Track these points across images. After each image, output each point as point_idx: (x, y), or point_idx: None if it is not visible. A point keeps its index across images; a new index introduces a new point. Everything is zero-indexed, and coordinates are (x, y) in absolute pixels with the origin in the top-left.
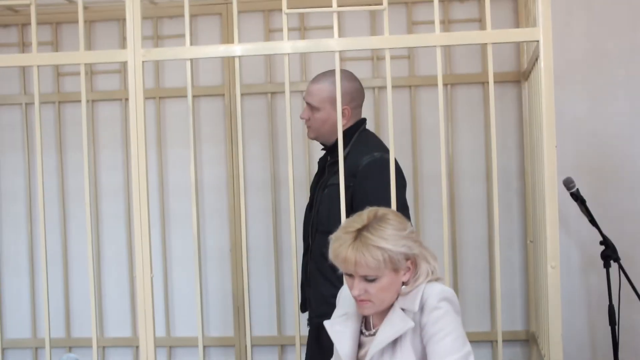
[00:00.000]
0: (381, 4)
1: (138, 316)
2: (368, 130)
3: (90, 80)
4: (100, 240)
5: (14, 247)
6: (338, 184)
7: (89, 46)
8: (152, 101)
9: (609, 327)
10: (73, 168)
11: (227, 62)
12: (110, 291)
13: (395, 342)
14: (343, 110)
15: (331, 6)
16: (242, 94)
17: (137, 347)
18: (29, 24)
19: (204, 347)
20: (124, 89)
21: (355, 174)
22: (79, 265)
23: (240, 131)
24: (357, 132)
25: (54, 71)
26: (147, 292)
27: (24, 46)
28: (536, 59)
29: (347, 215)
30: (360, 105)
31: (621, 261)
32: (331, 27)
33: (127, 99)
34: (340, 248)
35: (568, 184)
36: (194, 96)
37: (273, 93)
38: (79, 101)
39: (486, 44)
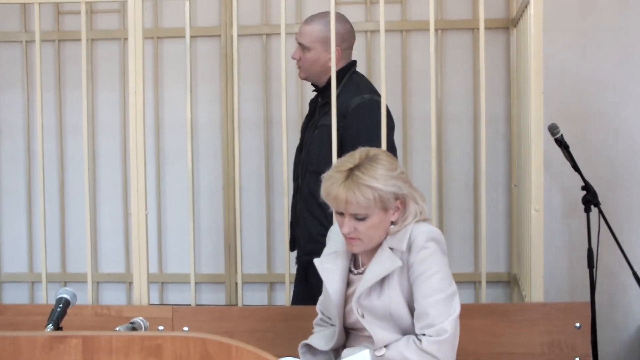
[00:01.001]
0: None
1: (132, 253)
2: (358, 73)
3: (90, 19)
4: (96, 177)
5: (12, 182)
6: (328, 125)
7: None
8: (150, 41)
9: (587, 270)
10: (71, 105)
11: (224, 3)
12: (105, 227)
13: (383, 281)
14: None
15: None
16: (238, 35)
17: (131, 283)
18: None
19: (195, 283)
20: (122, 29)
21: (345, 115)
22: (75, 202)
23: (236, 71)
24: (347, 73)
25: (54, 9)
26: (141, 229)
27: None
28: (526, 6)
29: (338, 156)
30: (351, 47)
31: (601, 206)
32: None
33: (126, 39)
34: (331, 186)
35: (553, 129)
36: (191, 37)
37: (268, 35)
38: (79, 40)
39: None
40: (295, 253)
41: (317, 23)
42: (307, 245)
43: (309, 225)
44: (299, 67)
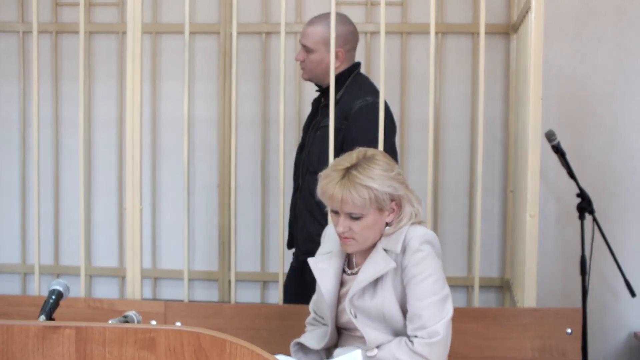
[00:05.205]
0: None
1: (126, 247)
2: (362, 74)
3: (88, 12)
4: (91, 171)
5: (6, 173)
6: (330, 126)
7: None
8: (148, 36)
9: (580, 277)
10: (67, 98)
11: (224, 0)
12: (99, 221)
13: (376, 282)
14: (337, 52)
15: None
16: (237, 33)
17: (123, 277)
18: None
19: (189, 280)
20: (121, 22)
21: (348, 116)
22: (70, 194)
23: (234, 69)
24: (351, 75)
25: (52, 0)
26: (136, 224)
27: None
28: (527, 12)
29: (337, 157)
30: (354, 49)
31: (595, 214)
32: None
33: (124, 33)
34: (328, 185)
35: (550, 136)
36: (190, 33)
37: (267, 33)
38: (76, 32)
39: None
40: (291, 252)
41: (320, 25)
42: (305, 245)
43: (308, 225)
44: (303, 69)
